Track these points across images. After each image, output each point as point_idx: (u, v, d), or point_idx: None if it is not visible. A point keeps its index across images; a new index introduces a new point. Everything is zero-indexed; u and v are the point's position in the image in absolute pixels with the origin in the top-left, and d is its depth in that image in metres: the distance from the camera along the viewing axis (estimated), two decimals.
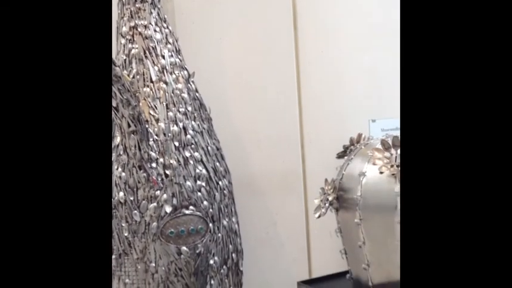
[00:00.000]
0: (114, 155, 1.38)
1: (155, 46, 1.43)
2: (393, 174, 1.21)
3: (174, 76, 1.44)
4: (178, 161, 1.38)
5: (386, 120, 1.47)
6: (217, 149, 1.52)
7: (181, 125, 1.41)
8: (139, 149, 1.34)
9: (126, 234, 1.35)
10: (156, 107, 1.38)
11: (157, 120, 1.37)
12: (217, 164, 1.49)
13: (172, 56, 1.46)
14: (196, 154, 1.42)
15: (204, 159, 1.44)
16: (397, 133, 1.35)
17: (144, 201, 1.34)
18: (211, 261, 1.41)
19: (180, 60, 1.49)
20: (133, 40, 1.42)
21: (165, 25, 1.48)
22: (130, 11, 1.43)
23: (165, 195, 1.35)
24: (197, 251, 1.38)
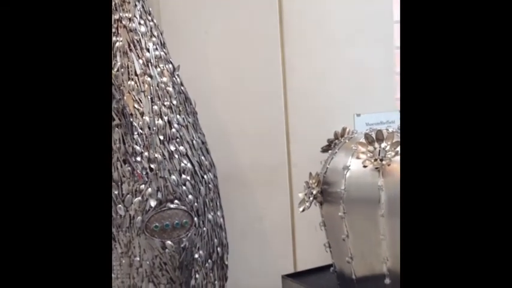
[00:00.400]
0: None
1: (140, 39, 1.42)
2: (377, 168, 1.21)
3: (159, 69, 1.43)
4: (163, 154, 1.38)
5: (371, 114, 1.48)
6: (203, 143, 1.52)
7: (166, 118, 1.40)
8: (124, 143, 1.33)
9: None
10: (140, 101, 1.38)
11: (141, 114, 1.37)
12: (203, 158, 1.49)
13: (157, 49, 1.45)
14: (181, 148, 1.42)
15: (189, 153, 1.43)
16: (382, 127, 1.36)
17: (128, 196, 1.33)
18: (196, 255, 1.41)
19: (165, 54, 1.48)
20: (118, 33, 1.41)
21: (149, 18, 1.47)
22: (115, 4, 1.42)
23: (149, 189, 1.34)
24: (182, 245, 1.38)
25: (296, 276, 1.47)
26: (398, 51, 1.92)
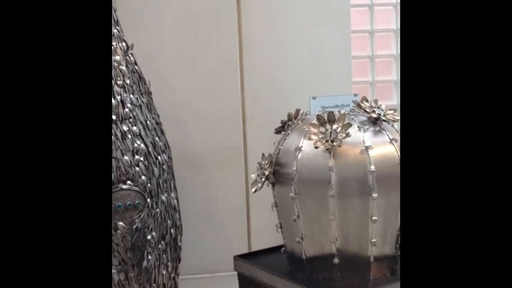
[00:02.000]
0: None
1: None
2: (328, 149, 1.22)
3: (111, 47, 1.40)
4: (116, 135, 1.36)
5: (327, 97, 1.49)
6: (157, 124, 1.50)
7: (118, 98, 1.38)
8: None
9: None
10: None
11: None
12: (157, 138, 1.47)
13: None
14: (134, 128, 1.40)
15: (143, 133, 1.42)
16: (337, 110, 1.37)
17: None
18: (149, 237, 1.40)
19: (118, 31, 1.45)
20: None
21: None
22: None
23: None
24: (134, 226, 1.37)
25: (248, 256, 1.47)
26: (355, 35, 1.95)
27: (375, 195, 1.21)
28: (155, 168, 1.43)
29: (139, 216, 1.37)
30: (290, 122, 1.39)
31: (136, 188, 1.37)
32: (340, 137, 1.22)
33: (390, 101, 2.03)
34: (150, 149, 1.42)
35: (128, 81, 1.41)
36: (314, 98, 1.50)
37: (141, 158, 1.39)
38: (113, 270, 1.36)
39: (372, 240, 1.24)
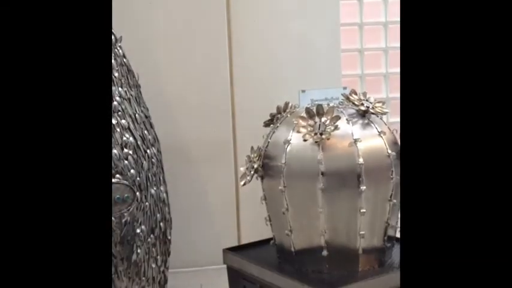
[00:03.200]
0: None
1: None
2: (316, 142, 1.23)
3: None
4: None
5: (316, 90, 1.49)
6: (146, 117, 1.50)
7: None
8: None
9: None
10: None
11: None
12: (146, 132, 1.47)
13: None
14: (123, 121, 1.39)
15: (132, 126, 1.41)
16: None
17: None
18: (138, 230, 1.40)
19: None
20: None
21: None
22: None
23: None
24: (123, 220, 1.37)
25: (237, 249, 1.48)
26: (344, 28, 1.95)
27: (363, 187, 1.22)
28: (144, 162, 1.43)
29: (129, 209, 1.37)
30: (279, 115, 1.39)
31: (125, 181, 1.37)
32: (328, 130, 1.22)
33: (379, 94, 2.04)
34: (139, 143, 1.42)
35: (116, 74, 1.41)
36: (303, 91, 1.50)
37: (130, 152, 1.39)
38: None
39: (361, 233, 1.25)
